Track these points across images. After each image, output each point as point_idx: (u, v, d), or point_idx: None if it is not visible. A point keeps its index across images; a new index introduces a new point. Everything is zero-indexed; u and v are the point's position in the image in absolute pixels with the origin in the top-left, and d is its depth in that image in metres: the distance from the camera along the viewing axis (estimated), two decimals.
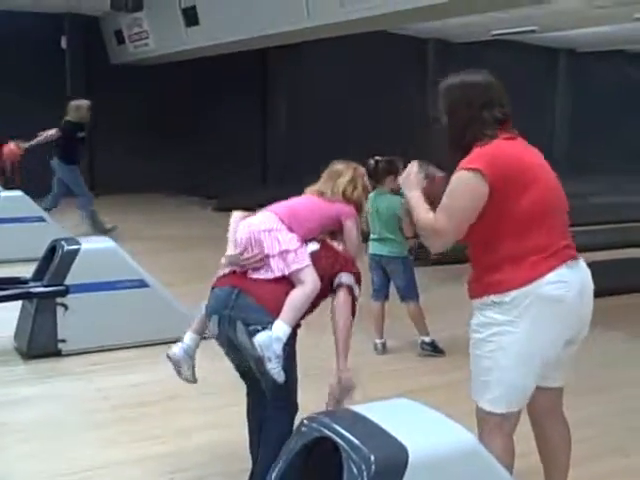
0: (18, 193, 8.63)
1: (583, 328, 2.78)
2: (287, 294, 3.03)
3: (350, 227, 3.39)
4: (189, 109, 14.97)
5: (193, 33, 11.52)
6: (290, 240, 3.15)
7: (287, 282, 3.08)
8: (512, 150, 2.70)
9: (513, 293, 2.60)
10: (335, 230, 3.41)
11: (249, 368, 3.15)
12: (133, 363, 5.06)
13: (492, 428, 2.72)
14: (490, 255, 2.68)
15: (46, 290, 5.12)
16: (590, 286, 2.76)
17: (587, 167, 17.28)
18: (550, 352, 2.68)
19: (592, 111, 18.84)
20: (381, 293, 5.41)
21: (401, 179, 2.86)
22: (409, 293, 5.34)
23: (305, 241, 3.22)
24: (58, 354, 5.09)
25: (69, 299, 5.11)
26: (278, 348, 2.88)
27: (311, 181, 3.53)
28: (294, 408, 3.11)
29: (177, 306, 5.48)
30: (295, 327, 3.05)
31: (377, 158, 5.17)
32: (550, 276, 2.60)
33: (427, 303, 5.51)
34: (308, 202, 3.41)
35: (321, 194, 3.42)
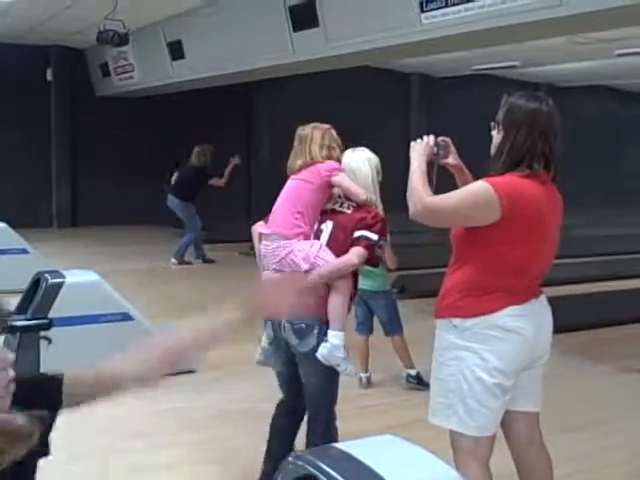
0: (1, 224, 8.59)
1: (541, 357, 2.82)
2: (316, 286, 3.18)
3: (338, 181, 3.37)
4: (173, 141, 15.01)
5: (178, 67, 11.61)
6: (305, 248, 3.22)
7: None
8: (539, 198, 2.66)
9: (472, 320, 2.66)
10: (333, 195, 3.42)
11: (292, 374, 3.30)
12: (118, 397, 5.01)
13: (466, 453, 2.74)
14: (464, 276, 2.72)
15: (30, 323, 5.08)
16: (549, 321, 2.82)
17: (572, 201, 17.44)
18: (509, 377, 2.69)
19: (572, 146, 19.07)
20: (365, 327, 5.41)
21: (413, 143, 2.86)
22: (392, 327, 5.36)
23: (316, 229, 3.32)
24: None
25: (53, 332, 5.08)
26: (340, 353, 3.17)
27: None
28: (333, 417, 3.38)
29: None
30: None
31: None
32: (510, 309, 2.65)
33: (412, 335, 5.53)
34: (291, 192, 3.40)
35: (300, 168, 3.42)
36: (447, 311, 2.74)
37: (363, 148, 3.64)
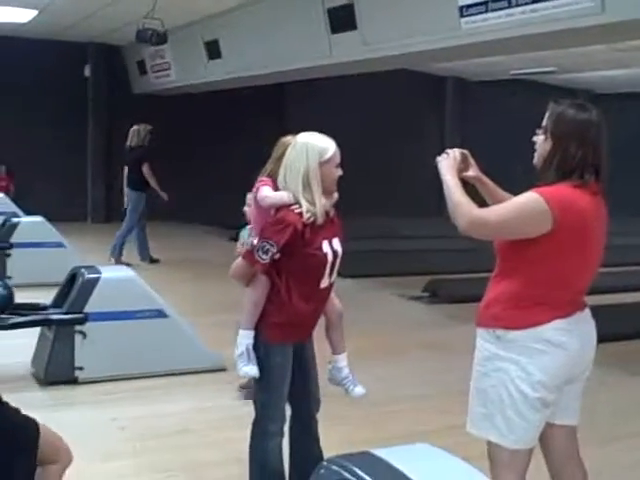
0: (38, 218, 8.71)
1: (584, 371, 2.79)
2: None
3: (258, 197, 3.37)
4: (207, 139, 15.10)
5: (215, 66, 11.67)
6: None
7: None
8: (588, 210, 2.64)
9: (517, 332, 2.63)
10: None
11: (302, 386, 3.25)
12: (149, 393, 5.07)
13: (503, 465, 2.70)
14: (509, 287, 2.69)
15: (65, 317, 5.15)
16: (593, 335, 2.79)
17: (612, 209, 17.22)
18: (551, 391, 2.67)
19: (610, 154, 18.82)
20: None
21: (442, 157, 2.83)
22: None
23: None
24: (75, 382, 5.11)
25: (87, 327, 5.14)
26: (236, 351, 3.12)
27: None
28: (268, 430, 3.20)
29: (195, 336, 5.50)
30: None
31: None
32: (556, 323, 2.63)
33: (443, 341, 5.52)
34: None
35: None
36: (490, 321, 2.70)
37: (313, 133, 3.16)
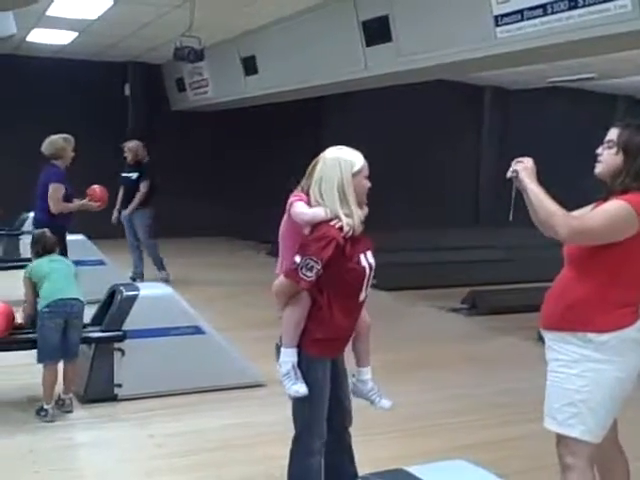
0: (80, 237, 8.83)
1: None
2: None
3: (291, 212, 3.18)
4: (245, 154, 15.19)
5: (252, 82, 11.75)
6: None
7: None
8: None
9: (609, 334, 2.82)
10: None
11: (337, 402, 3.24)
12: (188, 410, 5.08)
13: (585, 458, 2.88)
14: (592, 289, 2.86)
15: (104, 335, 5.20)
16: None
17: None
18: (631, 387, 2.92)
19: None
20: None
21: (521, 167, 2.96)
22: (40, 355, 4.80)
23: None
24: (114, 399, 5.15)
25: (126, 344, 5.18)
26: (281, 369, 3.11)
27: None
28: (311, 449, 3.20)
29: (232, 353, 5.51)
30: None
31: None
32: (638, 323, 2.87)
33: (482, 353, 5.45)
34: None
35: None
36: (578, 325, 2.86)
37: (341, 147, 3.15)
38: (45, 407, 4.79)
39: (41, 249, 5.11)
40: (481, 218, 16.95)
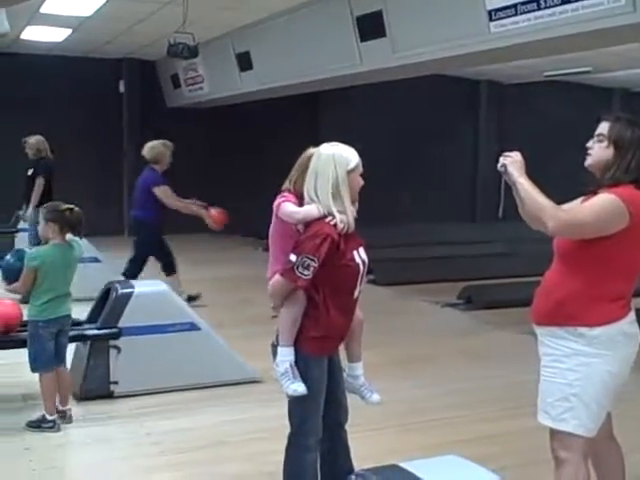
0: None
1: None
2: None
3: (280, 213, 3.20)
4: (241, 151, 15.18)
5: (247, 77, 11.74)
6: None
7: None
8: None
9: (600, 328, 2.82)
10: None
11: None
12: (184, 406, 5.08)
13: (578, 451, 2.89)
14: (582, 283, 2.85)
15: (100, 332, 5.20)
16: None
17: None
18: (624, 380, 2.94)
19: None
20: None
21: (509, 160, 2.95)
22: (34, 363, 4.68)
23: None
24: (110, 396, 5.15)
25: (122, 341, 5.18)
26: (278, 369, 3.10)
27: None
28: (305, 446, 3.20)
29: (228, 349, 5.51)
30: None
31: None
32: (630, 316, 2.90)
33: (478, 348, 5.46)
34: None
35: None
36: (569, 319, 2.86)
37: (336, 143, 3.14)
38: (50, 418, 4.59)
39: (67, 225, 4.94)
40: (478, 212, 16.96)
